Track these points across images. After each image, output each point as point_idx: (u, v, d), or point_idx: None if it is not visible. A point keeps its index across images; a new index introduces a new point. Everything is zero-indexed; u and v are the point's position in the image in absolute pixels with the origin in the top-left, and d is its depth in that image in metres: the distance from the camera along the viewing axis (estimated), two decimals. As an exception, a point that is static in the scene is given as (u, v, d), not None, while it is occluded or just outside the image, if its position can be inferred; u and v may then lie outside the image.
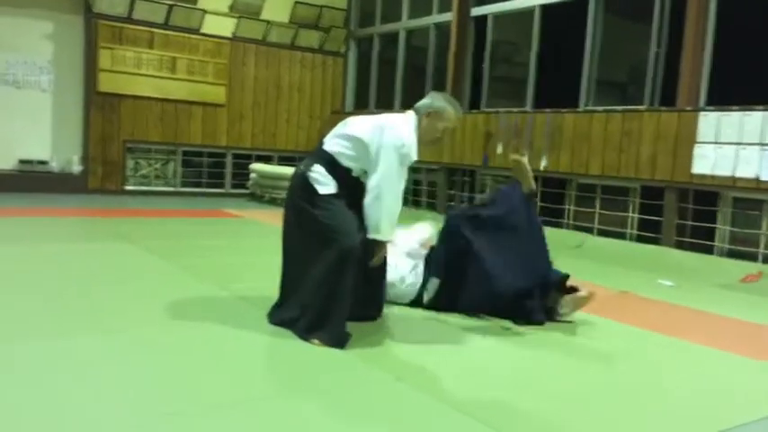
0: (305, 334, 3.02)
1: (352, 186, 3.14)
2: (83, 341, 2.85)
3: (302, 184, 3.14)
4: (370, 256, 3.18)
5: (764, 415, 2.53)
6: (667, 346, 3.43)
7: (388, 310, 3.60)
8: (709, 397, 2.74)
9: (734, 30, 6.20)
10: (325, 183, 3.11)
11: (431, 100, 3.29)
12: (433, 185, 9.09)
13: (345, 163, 3.14)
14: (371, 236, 3.09)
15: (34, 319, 3.13)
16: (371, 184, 3.07)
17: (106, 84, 8.96)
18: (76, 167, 8.97)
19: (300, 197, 3.15)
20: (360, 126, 3.17)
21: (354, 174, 3.16)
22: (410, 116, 3.26)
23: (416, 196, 9.36)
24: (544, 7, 7.78)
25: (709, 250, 6.10)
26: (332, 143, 3.18)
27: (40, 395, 2.25)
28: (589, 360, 3.11)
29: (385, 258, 3.36)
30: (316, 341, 2.96)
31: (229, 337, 3.03)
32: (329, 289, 2.99)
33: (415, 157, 3.13)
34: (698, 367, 3.13)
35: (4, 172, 8.53)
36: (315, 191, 3.09)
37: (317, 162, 3.15)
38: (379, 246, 3.18)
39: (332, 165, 3.13)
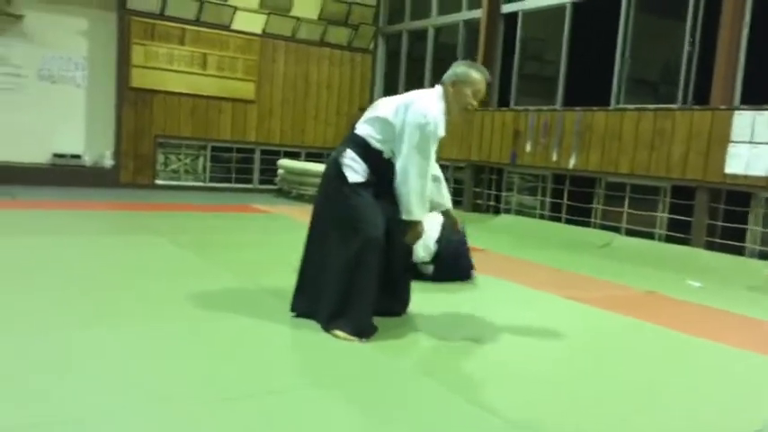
0: (326, 324, 3.05)
1: (384, 169, 3.14)
2: (111, 331, 2.92)
3: (334, 171, 3.17)
4: (403, 237, 3.17)
5: (793, 419, 2.49)
6: (695, 347, 3.39)
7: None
8: (741, 398, 2.70)
9: (770, 27, 6.07)
10: (356, 169, 3.12)
11: (453, 69, 3.25)
12: (459, 183, 9.06)
13: (376, 145, 3.14)
14: (403, 217, 3.09)
15: (66, 310, 3.21)
16: (398, 165, 3.08)
17: (138, 79, 9.11)
18: (109, 162, 9.14)
19: (330, 184, 3.19)
20: (386, 107, 3.19)
21: (386, 156, 3.16)
22: (436, 90, 3.24)
23: (443, 194, 9.33)
24: (575, 5, 7.70)
25: (740, 251, 5.99)
26: (362, 127, 3.21)
27: (76, 382, 2.31)
28: (616, 360, 3.09)
29: (410, 252, 3.38)
30: (338, 332, 2.98)
31: (255, 330, 3.06)
32: (351, 277, 3.01)
33: (442, 132, 3.11)
34: (727, 368, 3.09)
35: (38, 165, 8.73)
36: (345, 179, 3.11)
37: (349, 147, 3.17)
38: (412, 226, 3.15)
39: (364, 148, 3.14)
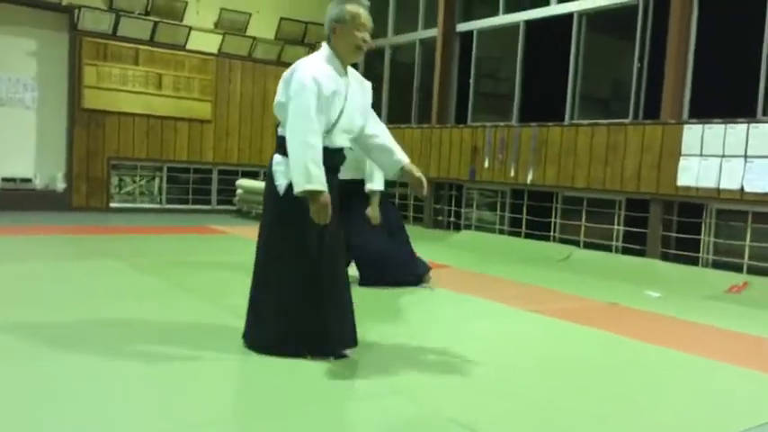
0: (246, 341, 3.01)
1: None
2: (64, 360, 2.81)
3: (268, 179, 3.02)
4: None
5: (759, 422, 2.55)
6: (658, 356, 3.45)
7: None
8: (704, 405, 2.75)
9: (715, 43, 6.31)
10: (284, 171, 2.91)
11: (327, 15, 2.98)
12: (420, 200, 9.10)
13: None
14: (295, 191, 2.80)
15: (20, 339, 3.08)
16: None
17: (91, 100, 8.92)
18: (60, 185, 8.89)
19: (264, 192, 3.08)
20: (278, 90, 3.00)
21: None
22: (321, 49, 3.01)
23: (403, 211, 9.37)
24: (528, 24, 7.88)
25: (694, 262, 6.15)
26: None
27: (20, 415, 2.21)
28: (586, 372, 3.12)
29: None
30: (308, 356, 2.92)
31: (213, 354, 3.00)
32: (287, 293, 2.92)
33: (327, 88, 2.85)
34: (690, 376, 3.15)
35: (-14, 190, 8.44)
36: (274, 185, 2.95)
37: (276, 151, 3.01)
38: (312, 200, 2.77)
39: (285, 146, 2.89)
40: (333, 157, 3.01)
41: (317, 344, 2.94)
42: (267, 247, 3.04)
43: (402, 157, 3.17)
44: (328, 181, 2.86)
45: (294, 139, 2.81)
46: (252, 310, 3.06)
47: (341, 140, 3.04)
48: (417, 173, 3.17)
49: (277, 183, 2.95)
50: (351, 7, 2.95)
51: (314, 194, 2.77)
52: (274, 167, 2.98)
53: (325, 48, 3.01)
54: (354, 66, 3.22)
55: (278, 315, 2.96)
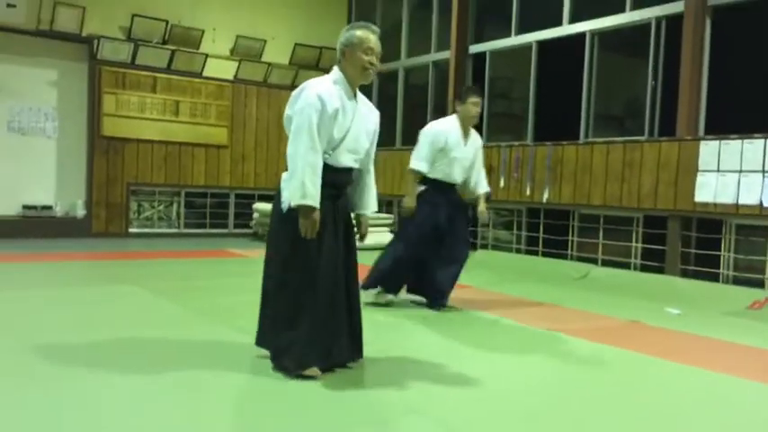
0: (272, 360, 3.08)
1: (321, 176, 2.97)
2: (84, 384, 2.84)
3: (276, 195, 3.09)
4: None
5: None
6: (682, 374, 3.42)
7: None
8: (729, 423, 2.72)
9: (729, 59, 6.31)
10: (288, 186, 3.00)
11: (339, 41, 3.11)
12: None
13: None
14: (291, 203, 2.90)
15: (39, 364, 3.12)
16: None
17: (110, 128, 9.07)
18: (80, 211, 9.01)
19: (272, 211, 3.15)
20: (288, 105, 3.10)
21: None
22: (332, 72, 3.12)
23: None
24: (541, 43, 7.93)
25: (714, 278, 6.10)
26: None
27: None
28: (612, 392, 3.09)
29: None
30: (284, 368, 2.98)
31: (227, 375, 3.01)
32: (294, 307, 2.99)
33: (330, 105, 2.93)
34: (715, 394, 3.12)
35: (7, 218, 8.57)
36: (280, 207, 3.02)
37: (287, 167, 3.07)
38: (302, 213, 2.88)
39: None
40: (338, 176, 3.08)
41: (308, 357, 2.96)
42: (270, 261, 3.13)
43: (366, 206, 3.33)
44: (333, 199, 2.97)
45: (294, 154, 2.91)
46: (259, 321, 3.18)
47: (346, 160, 3.09)
48: (364, 223, 3.33)
49: (282, 198, 3.02)
50: (360, 32, 3.08)
51: (305, 210, 2.88)
52: (282, 184, 3.06)
53: (335, 71, 3.12)
54: (368, 88, 3.31)
55: (274, 328, 3.06)
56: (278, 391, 2.85)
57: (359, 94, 3.17)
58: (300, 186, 2.86)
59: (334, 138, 2.99)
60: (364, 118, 3.16)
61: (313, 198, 2.87)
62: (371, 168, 3.34)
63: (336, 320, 3.06)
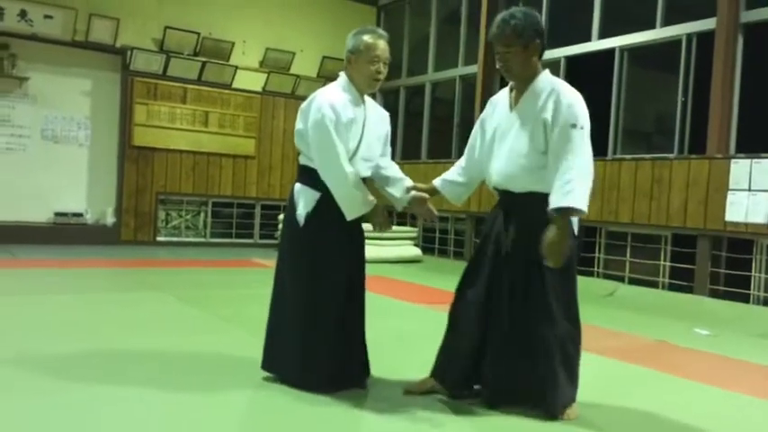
0: (291, 382, 2.97)
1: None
2: (120, 390, 2.88)
3: (288, 210, 3.04)
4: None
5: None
6: (711, 396, 3.36)
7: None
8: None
9: (761, 76, 6.23)
10: (306, 198, 2.95)
11: (345, 46, 2.99)
12: (460, 234, 9.09)
13: (309, 164, 2.97)
14: (348, 218, 2.91)
15: (70, 369, 3.17)
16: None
17: (140, 138, 9.23)
18: (110, 219, 9.16)
19: (284, 224, 3.10)
20: (298, 118, 3.03)
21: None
22: (339, 78, 3.03)
23: (443, 245, 9.36)
24: (569, 59, 7.90)
25: (744, 299, 5.99)
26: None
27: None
28: (641, 413, 3.04)
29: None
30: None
31: (245, 385, 3.02)
32: (307, 326, 2.91)
33: (344, 115, 2.87)
34: (746, 418, 3.05)
35: (40, 224, 8.74)
36: (295, 220, 2.96)
37: (297, 180, 3.05)
38: (371, 215, 2.93)
39: (304, 173, 2.99)
40: None
41: (317, 375, 2.91)
42: (281, 275, 3.05)
43: (410, 182, 3.17)
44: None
45: (328, 172, 2.86)
46: (266, 335, 3.08)
47: (362, 168, 3.01)
48: (425, 202, 3.12)
49: (297, 212, 2.96)
50: (367, 38, 2.94)
51: (374, 210, 2.93)
52: (295, 196, 3.01)
53: (342, 77, 3.02)
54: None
55: (287, 345, 2.98)
56: (288, 407, 2.85)
57: (366, 98, 3.10)
58: (351, 200, 2.88)
59: (349, 149, 2.94)
60: (375, 124, 3.08)
61: (368, 201, 2.91)
62: (388, 160, 3.23)
63: (351, 336, 3.01)
